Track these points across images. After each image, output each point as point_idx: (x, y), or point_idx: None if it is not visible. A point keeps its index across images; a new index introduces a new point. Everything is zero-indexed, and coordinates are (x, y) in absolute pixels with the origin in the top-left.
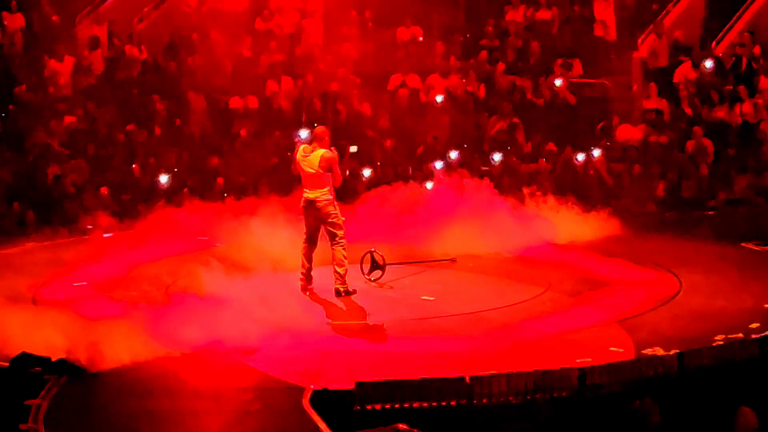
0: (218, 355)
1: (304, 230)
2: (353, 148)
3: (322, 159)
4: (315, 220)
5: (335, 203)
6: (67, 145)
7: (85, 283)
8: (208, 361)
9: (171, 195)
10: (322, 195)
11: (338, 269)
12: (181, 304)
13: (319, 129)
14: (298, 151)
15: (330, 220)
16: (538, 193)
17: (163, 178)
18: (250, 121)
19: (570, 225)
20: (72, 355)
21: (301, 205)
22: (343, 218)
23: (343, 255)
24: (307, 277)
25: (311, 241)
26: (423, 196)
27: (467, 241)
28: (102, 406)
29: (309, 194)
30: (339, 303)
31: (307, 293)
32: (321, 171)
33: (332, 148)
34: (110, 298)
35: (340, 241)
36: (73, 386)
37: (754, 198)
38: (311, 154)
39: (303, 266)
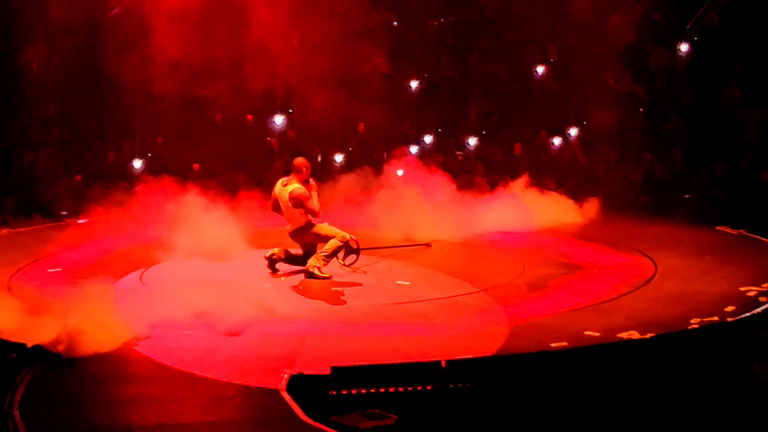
0: (193, 339)
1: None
2: None
3: (291, 196)
4: (307, 245)
5: (312, 222)
6: (42, 131)
7: (59, 269)
8: (183, 346)
9: (146, 180)
10: (297, 226)
11: (326, 251)
12: (155, 289)
13: (298, 160)
14: (276, 185)
15: (322, 236)
16: (513, 178)
17: (137, 164)
18: (224, 107)
19: (545, 209)
20: (47, 342)
21: (287, 234)
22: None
23: (338, 245)
24: (272, 266)
25: (306, 255)
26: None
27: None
28: (77, 393)
29: (290, 226)
30: (314, 288)
31: (282, 278)
32: (290, 206)
33: (311, 180)
34: (85, 284)
35: (339, 233)
36: (48, 373)
37: (730, 182)
38: (285, 188)
39: (278, 253)
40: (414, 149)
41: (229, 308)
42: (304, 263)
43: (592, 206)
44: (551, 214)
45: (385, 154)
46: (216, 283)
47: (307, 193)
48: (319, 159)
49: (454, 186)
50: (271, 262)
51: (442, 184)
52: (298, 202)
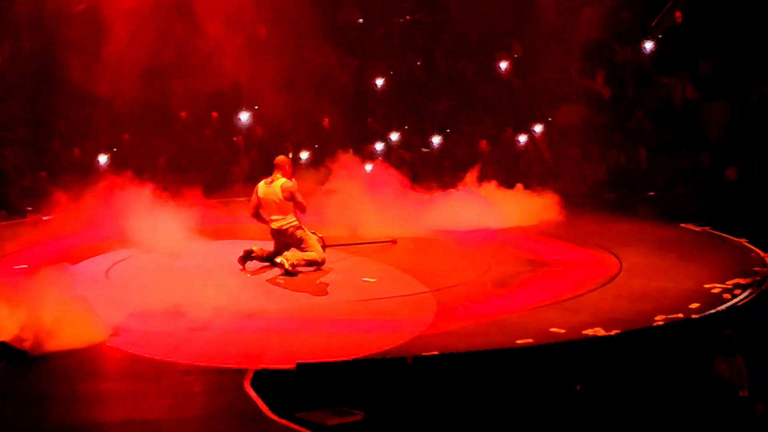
0: (159, 336)
1: (273, 246)
2: None
3: (283, 188)
4: (285, 246)
5: (303, 226)
6: (6, 128)
7: (25, 266)
8: (149, 342)
9: (111, 176)
10: (288, 222)
11: (304, 258)
12: (121, 285)
13: (280, 158)
14: (257, 189)
15: (303, 245)
16: (477, 175)
17: (102, 158)
18: (190, 103)
19: (510, 206)
20: (13, 339)
21: (270, 232)
22: (314, 233)
23: (315, 259)
24: (245, 261)
25: (277, 253)
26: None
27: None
28: (44, 390)
29: (275, 224)
30: (279, 285)
31: (247, 274)
32: (283, 200)
33: (293, 178)
34: (51, 280)
35: (320, 252)
36: (14, 370)
37: (694, 179)
38: (272, 184)
39: (257, 251)
40: (379, 146)
41: (195, 304)
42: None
43: (556, 203)
44: (515, 211)
45: (351, 151)
46: (181, 279)
47: (297, 186)
48: (290, 155)
49: (407, 183)
50: (247, 256)
51: (392, 180)
52: (290, 194)
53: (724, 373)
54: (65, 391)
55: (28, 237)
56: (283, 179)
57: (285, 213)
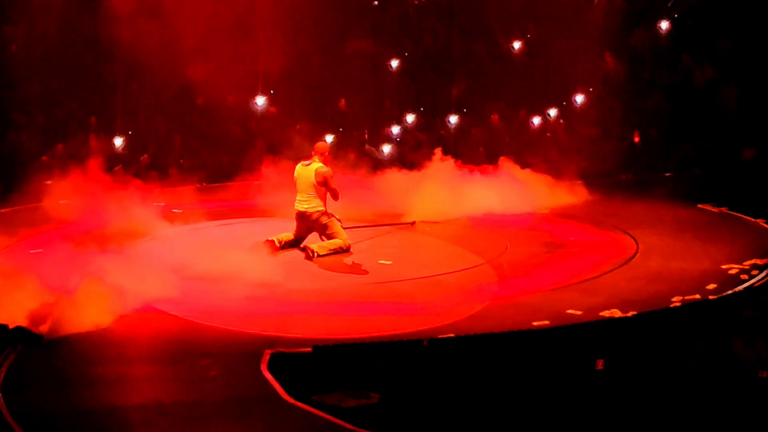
0: (174, 319)
1: (294, 230)
2: None
3: (317, 173)
4: (308, 230)
5: (328, 213)
6: (23, 111)
7: (41, 249)
8: (164, 325)
9: (128, 160)
10: (313, 207)
11: (330, 247)
12: (138, 269)
13: (320, 144)
14: (296, 168)
15: (328, 231)
16: (492, 157)
17: (118, 141)
18: (207, 89)
19: (527, 188)
20: (29, 323)
21: (294, 213)
22: (338, 219)
23: (341, 246)
24: (278, 243)
25: (296, 242)
26: None
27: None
28: (60, 374)
29: (300, 206)
30: (295, 267)
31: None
32: (316, 184)
33: (328, 165)
34: (67, 264)
35: (345, 238)
36: (30, 354)
37: (710, 160)
38: (309, 167)
39: (284, 238)
40: (395, 129)
41: (212, 287)
42: (295, 245)
43: (573, 184)
44: (533, 193)
45: (366, 134)
46: (200, 262)
47: (331, 171)
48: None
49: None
50: (276, 243)
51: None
52: (323, 179)
53: (742, 354)
54: (81, 375)
55: (43, 221)
56: (319, 164)
57: (315, 197)
